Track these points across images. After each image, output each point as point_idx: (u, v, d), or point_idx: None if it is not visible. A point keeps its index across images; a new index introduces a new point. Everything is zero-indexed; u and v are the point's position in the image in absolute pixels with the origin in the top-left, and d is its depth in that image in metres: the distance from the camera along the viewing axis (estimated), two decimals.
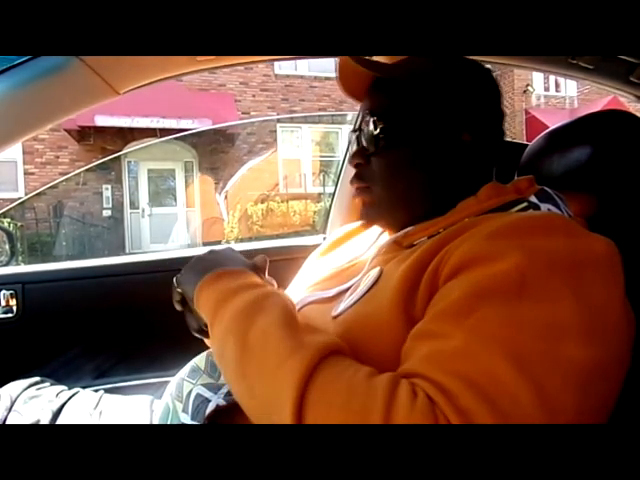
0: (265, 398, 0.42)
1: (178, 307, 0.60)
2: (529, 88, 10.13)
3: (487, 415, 0.36)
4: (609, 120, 0.73)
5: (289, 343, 0.43)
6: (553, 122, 0.85)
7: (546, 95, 10.60)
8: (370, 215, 0.64)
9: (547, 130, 0.78)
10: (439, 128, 0.59)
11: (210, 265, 0.56)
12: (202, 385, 0.59)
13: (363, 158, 0.62)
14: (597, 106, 7.03)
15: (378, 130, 0.60)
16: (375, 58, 0.67)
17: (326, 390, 0.39)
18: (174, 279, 0.60)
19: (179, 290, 0.59)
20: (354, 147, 0.66)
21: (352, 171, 0.64)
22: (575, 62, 1.02)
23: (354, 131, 0.65)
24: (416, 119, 0.60)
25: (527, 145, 0.81)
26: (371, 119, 0.60)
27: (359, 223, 0.79)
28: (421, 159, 0.59)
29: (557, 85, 10.62)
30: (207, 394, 0.58)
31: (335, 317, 0.55)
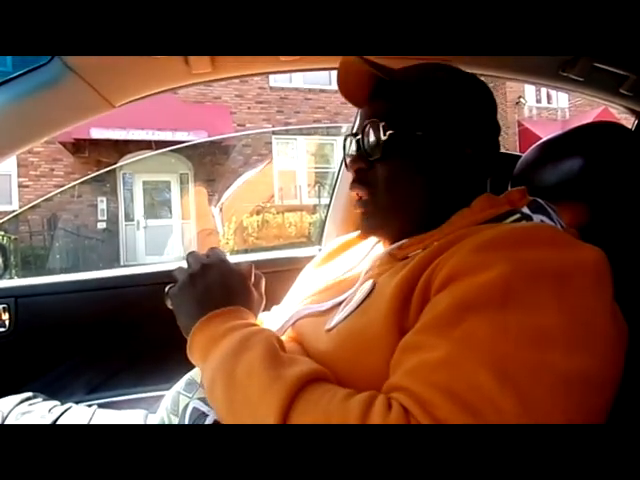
0: None
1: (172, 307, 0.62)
2: (521, 100, 10.25)
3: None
4: (600, 132, 0.74)
5: (271, 375, 0.45)
6: (546, 133, 0.86)
7: (538, 107, 10.73)
8: (370, 224, 0.63)
9: (540, 141, 0.79)
10: (445, 138, 0.59)
11: (201, 295, 0.58)
12: (198, 399, 0.58)
13: (366, 163, 0.60)
14: (589, 117, 7.12)
15: (386, 136, 0.58)
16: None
17: (305, 416, 0.41)
18: (165, 289, 0.62)
19: (169, 302, 0.62)
20: (352, 152, 0.64)
21: (347, 182, 0.64)
22: (565, 74, 1.04)
23: (354, 135, 0.63)
24: (424, 127, 0.59)
25: (520, 156, 0.81)
26: (380, 124, 0.59)
27: (354, 234, 0.79)
28: (426, 168, 0.59)
29: (549, 97, 10.76)
30: (204, 408, 0.57)
31: (329, 330, 0.55)
